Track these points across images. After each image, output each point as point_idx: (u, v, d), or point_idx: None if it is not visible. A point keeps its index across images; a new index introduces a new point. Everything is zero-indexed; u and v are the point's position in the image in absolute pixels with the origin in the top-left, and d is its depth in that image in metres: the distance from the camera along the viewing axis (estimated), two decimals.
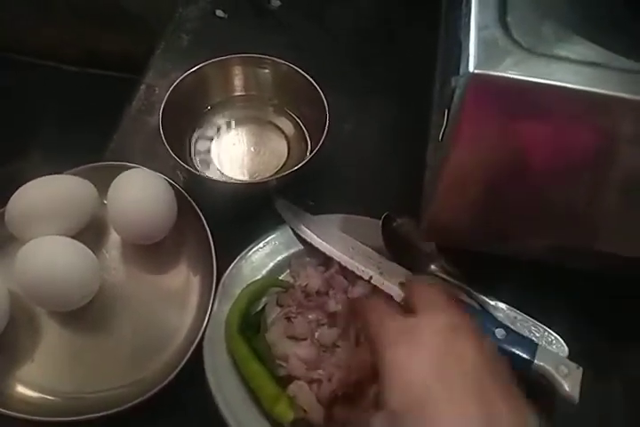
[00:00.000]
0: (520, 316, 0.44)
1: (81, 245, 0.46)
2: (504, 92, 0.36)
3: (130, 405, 0.41)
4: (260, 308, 0.46)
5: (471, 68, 0.35)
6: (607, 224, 0.43)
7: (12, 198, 0.47)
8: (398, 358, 0.31)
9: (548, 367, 0.40)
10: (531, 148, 0.38)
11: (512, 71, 0.35)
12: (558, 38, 0.38)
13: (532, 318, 0.45)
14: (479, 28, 0.37)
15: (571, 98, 0.36)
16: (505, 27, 0.38)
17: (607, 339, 0.47)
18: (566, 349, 0.43)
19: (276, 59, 0.55)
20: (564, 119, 0.37)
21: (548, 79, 0.35)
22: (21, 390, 0.44)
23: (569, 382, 0.39)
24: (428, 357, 0.30)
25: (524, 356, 0.41)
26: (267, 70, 0.56)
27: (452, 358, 0.30)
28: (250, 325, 0.45)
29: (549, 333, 0.44)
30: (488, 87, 0.36)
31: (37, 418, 0.41)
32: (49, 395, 0.44)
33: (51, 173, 0.50)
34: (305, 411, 0.40)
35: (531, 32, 0.38)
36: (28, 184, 0.48)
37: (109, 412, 0.41)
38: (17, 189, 0.48)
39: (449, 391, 0.29)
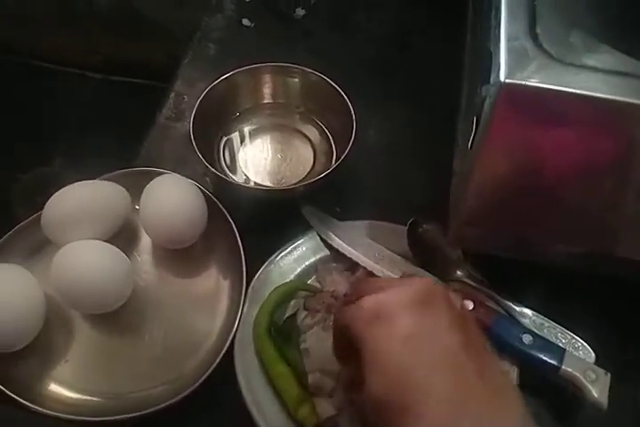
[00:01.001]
0: (547, 322, 0.45)
1: (115, 250, 0.47)
2: (534, 100, 0.37)
3: (163, 405, 0.42)
4: (288, 314, 0.47)
5: (502, 78, 0.36)
6: (633, 230, 0.43)
7: (47, 203, 0.48)
8: (374, 340, 0.30)
9: (576, 373, 0.40)
10: (559, 155, 0.39)
11: (542, 80, 0.36)
12: (586, 48, 0.38)
13: (559, 324, 0.45)
14: (509, 39, 0.38)
15: (599, 107, 0.36)
16: (534, 37, 0.38)
17: (634, 344, 0.47)
18: (593, 355, 0.43)
19: (304, 68, 0.56)
20: (593, 127, 0.37)
21: (576, 88, 0.36)
22: (56, 389, 0.45)
23: (597, 387, 0.40)
24: (400, 335, 0.30)
25: (552, 362, 0.41)
26: (295, 79, 0.57)
27: (425, 332, 0.30)
28: (280, 331, 0.45)
29: (576, 339, 0.44)
30: (518, 96, 0.37)
31: (72, 417, 0.42)
32: (83, 395, 0.45)
33: (81, 179, 0.51)
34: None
35: (559, 42, 0.38)
36: (63, 189, 0.49)
37: (143, 412, 0.42)
38: (45, 193, 0.49)
39: (426, 369, 0.29)
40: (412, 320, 0.30)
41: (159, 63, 1.04)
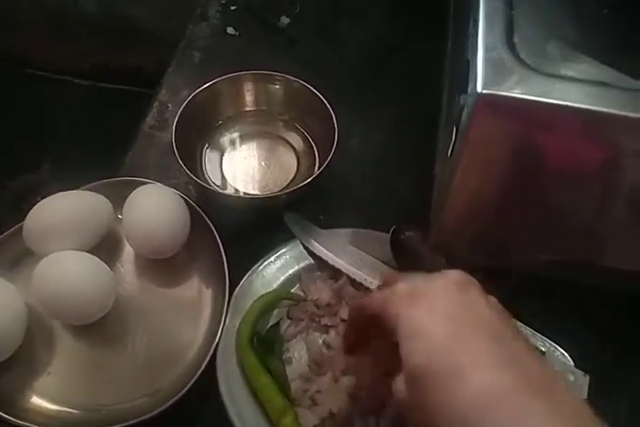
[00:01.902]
0: (526, 330, 0.45)
1: (97, 260, 0.47)
2: (511, 110, 0.37)
3: (146, 417, 0.41)
4: (272, 323, 0.47)
5: (479, 88, 0.36)
6: (614, 239, 0.44)
7: (29, 214, 0.48)
8: (413, 321, 0.30)
9: None
10: (538, 164, 0.39)
11: (519, 91, 0.36)
12: (564, 58, 0.39)
13: (539, 333, 0.45)
14: (486, 49, 0.38)
15: (577, 117, 0.36)
16: (512, 47, 0.39)
17: (613, 355, 0.47)
18: (572, 362, 0.43)
19: (287, 75, 0.56)
20: (570, 137, 0.38)
21: (554, 98, 0.36)
22: (38, 402, 0.45)
23: (575, 389, 0.40)
24: (441, 314, 0.29)
25: None
26: (278, 86, 0.57)
27: (465, 313, 0.30)
28: (263, 341, 0.45)
29: (555, 348, 0.44)
30: (495, 106, 0.37)
31: None
32: (65, 407, 0.44)
33: (65, 188, 0.51)
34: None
35: (537, 52, 0.39)
36: (45, 200, 0.49)
37: (124, 424, 0.41)
38: (30, 201, 0.49)
39: (469, 348, 0.28)
40: (451, 300, 0.30)
41: (147, 71, 1.04)
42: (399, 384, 0.30)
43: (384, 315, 0.31)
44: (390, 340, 0.31)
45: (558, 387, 0.27)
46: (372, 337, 0.36)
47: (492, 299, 0.32)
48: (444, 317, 0.29)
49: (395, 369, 0.30)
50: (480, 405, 0.26)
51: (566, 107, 0.36)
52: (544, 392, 0.27)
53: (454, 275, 0.32)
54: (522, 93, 0.36)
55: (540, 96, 0.36)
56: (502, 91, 0.36)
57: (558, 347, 0.45)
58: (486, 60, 0.38)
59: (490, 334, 0.29)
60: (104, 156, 0.61)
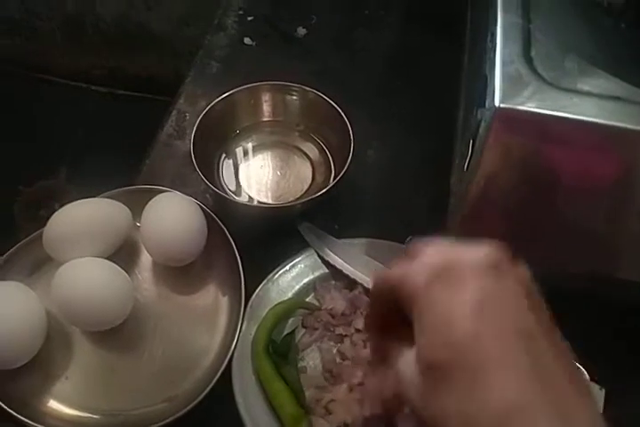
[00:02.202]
0: None
1: (116, 267, 0.47)
2: (528, 124, 0.37)
3: (162, 422, 0.42)
4: (287, 331, 0.47)
5: (497, 103, 0.37)
6: (627, 251, 0.44)
7: (49, 221, 0.49)
8: (436, 301, 0.26)
9: None
10: (553, 177, 0.39)
11: (536, 105, 0.37)
12: (581, 72, 0.39)
13: None
14: (504, 63, 0.39)
15: (594, 131, 0.37)
16: (529, 61, 0.39)
17: (623, 367, 0.47)
18: (588, 377, 0.43)
19: (303, 86, 0.57)
20: (587, 151, 0.38)
21: (571, 113, 0.36)
22: (55, 406, 0.45)
23: None
24: (469, 299, 0.26)
25: None
26: (294, 97, 0.58)
27: (497, 300, 0.26)
28: (278, 349, 0.46)
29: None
30: (513, 120, 0.37)
31: None
32: (82, 412, 0.45)
33: (82, 195, 0.51)
34: None
35: (554, 66, 0.39)
36: (65, 207, 0.50)
37: None
38: (49, 206, 0.50)
39: (500, 340, 0.25)
40: (482, 285, 0.26)
41: (163, 78, 1.06)
42: (408, 370, 0.27)
43: (405, 289, 0.28)
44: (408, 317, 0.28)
45: (578, 404, 0.25)
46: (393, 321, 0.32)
47: (525, 274, 0.29)
48: (471, 306, 0.26)
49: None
50: (495, 418, 0.24)
51: (583, 121, 0.36)
52: (564, 411, 0.25)
53: (490, 251, 0.28)
54: (539, 108, 0.36)
55: (556, 111, 0.36)
56: (519, 105, 0.37)
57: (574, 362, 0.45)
58: (504, 75, 0.38)
59: (518, 333, 0.26)
60: (120, 162, 0.62)
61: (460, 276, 0.27)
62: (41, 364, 0.46)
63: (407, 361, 0.27)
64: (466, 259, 0.27)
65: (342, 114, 0.54)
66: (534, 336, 0.26)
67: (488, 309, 0.26)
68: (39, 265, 0.51)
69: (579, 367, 0.43)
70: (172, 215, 0.49)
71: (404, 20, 0.73)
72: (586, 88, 0.38)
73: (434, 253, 0.28)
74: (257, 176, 0.57)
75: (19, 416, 0.43)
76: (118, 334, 0.48)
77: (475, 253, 0.28)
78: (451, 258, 0.27)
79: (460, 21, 0.62)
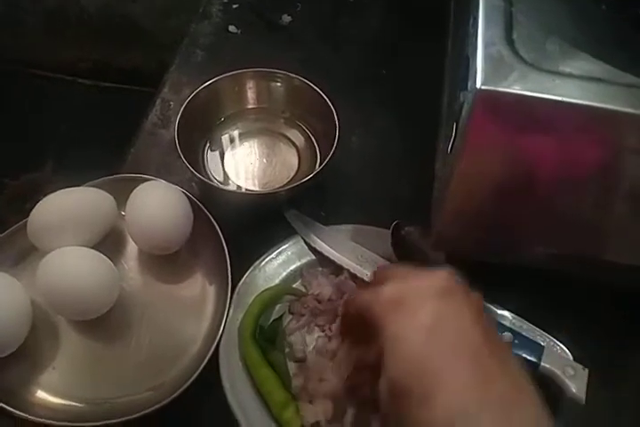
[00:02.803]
0: (525, 324, 0.45)
1: (100, 256, 0.47)
2: (510, 106, 0.37)
3: (149, 410, 0.42)
4: (274, 318, 0.47)
5: (478, 84, 0.37)
6: (613, 233, 0.44)
7: (33, 210, 0.49)
8: (394, 327, 0.30)
9: (555, 369, 0.41)
10: (537, 160, 0.39)
11: (518, 87, 0.36)
12: (563, 54, 0.39)
13: (538, 327, 0.46)
14: (486, 45, 0.39)
15: (575, 112, 0.37)
16: (511, 44, 0.39)
17: (611, 348, 0.48)
18: (571, 357, 0.44)
19: (288, 73, 0.56)
20: (569, 133, 0.38)
21: (552, 94, 0.36)
22: (43, 395, 0.45)
23: (575, 383, 0.40)
24: (422, 324, 0.30)
25: (531, 359, 0.42)
26: (279, 84, 0.57)
27: (447, 323, 0.30)
28: (265, 335, 0.46)
29: (554, 342, 0.45)
30: (495, 102, 0.37)
31: (58, 423, 0.43)
32: (69, 401, 0.45)
33: (68, 185, 0.51)
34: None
35: (536, 49, 0.39)
36: (49, 196, 0.49)
37: (128, 417, 0.42)
38: (34, 199, 0.49)
39: (448, 360, 0.29)
40: (434, 310, 0.30)
41: (148, 70, 1.05)
42: (381, 387, 0.30)
43: (368, 316, 0.32)
44: (375, 337, 0.31)
45: (517, 400, 0.28)
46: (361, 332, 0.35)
47: (476, 299, 0.32)
48: (424, 329, 0.30)
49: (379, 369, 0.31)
50: (444, 422, 0.27)
51: (565, 103, 0.36)
52: (500, 410, 0.27)
53: (441, 278, 0.32)
54: (520, 89, 0.36)
55: (538, 92, 0.36)
56: (501, 87, 0.37)
57: (557, 341, 0.45)
58: (485, 57, 0.38)
59: (466, 351, 0.29)
60: (106, 153, 0.61)
61: (412, 303, 0.31)
62: (27, 354, 0.46)
63: (380, 382, 0.31)
64: (421, 287, 0.31)
65: (327, 100, 0.54)
66: (479, 349, 0.29)
67: (438, 331, 0.30)
68: (24, 255, 0.50)
69: (563, 349, 0.44)
70: (157, 203, 0.49)
71: (389, 7, 0.72)
72: (568, 70, 0.38)
73: (391, 283, 0.32)
74: (243, 164, 0.57)
75: (5, 406, 0.43)
76: (105, 323, 0.48)
77: (426, 281, 0.32)
78: (404, 288, 0.32)
79: (443, 8, 0.62)
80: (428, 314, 0.30)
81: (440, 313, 0.30)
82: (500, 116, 0.38)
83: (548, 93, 0.36)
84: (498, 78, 0.37)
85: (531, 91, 0.36)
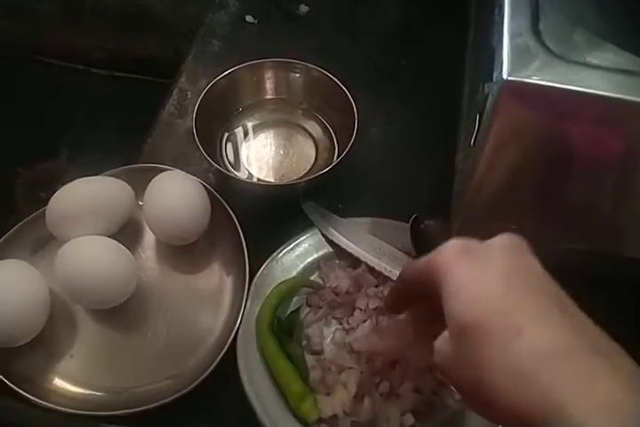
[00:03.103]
0: None
1: (119, 245, 0.47)
2: (536, 98, 0.37)
3: (165, 400, 0.42)
4: (291, 310, 0.47)
5: (505, 75, 0.36)
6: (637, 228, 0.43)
7: (52, 199, 0.49)
8: (464, 275, 0.28)
9: None
10: (562, 152, 0.39)
11: (544, 78, 0.36)
12: (590, 46, 0.38)
13: None
14: (512, 36, 0.38)
15: (603, 104, 0.36)
16: (537, 34, 0.38)
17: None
18: None
19: (307, 63, 0.56)
20: (597, 125, 0.37)
21: (579, 86, 0.36)
22: (60, 384, 0.45)
23: None
24: (496, 271, 0.28)
25: None
26: (297, 75, 0.57)
27: (522, 272, 0.28)
28: (282, 327, 0.46)
29: None
30: (521, 93, 0.37)
31: (76, 411, 0.43)
32: (87, 389, 0.45)
33: (84, 175, 0.51)
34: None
35: (562, 39, 0.38)
36: (67, 185, 0.49)
37: (145, 407, 0.42)
38: (49, 188, 0.49)
39: (526, 304, 0.27)
40: (507, 260, 0.29)
41: (164, 59, 1.04)
42: (442, 343, 0.28)
43: (433, 270, 0.30)
44: (433, 302, 0.29)
45: (615, 349, 0.26)
46: (415, 301, 0.35)
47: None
48: (499, 274, 0.28)
49: (433, 332, 0.29)
50: (540, 362, 0.25)
51: (591, 94, 0.36)
52: (604, 354, 0.26)
53: (511, 237, 0.30)
54: (547, 81, 0.36)
55: (565, 84, 0.36)
56: (527, 78, 0.36)
57: None
58: (512, 47, 0.37)
59: (547, 293, 0.28)
60: (122, 143, 0.61)
61: (489, 254, 0.29)
62: (45, 342, 0.46)
63: (439, 340, 0.29)
64: (493, 243, 0.30)
65: (346, 91, 0.54)
66: (561, 297, 0.28)
67: (515, 276, 0.28)
68: (42, 244, 0.50)
69: None
70: (175, 194, 0.49)
71: None
72: (594, 61, 0.37)
73: (458, 241, 0.31)
74: (260, 155, 0.57)
75: (23, 393, 0.43)
76: (122, 312, 0.48)
77: (501, 239, 0.30)
78: (471, 242, 0.30)
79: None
80: (502, 263, 0.28)
81: (515, 262, 0.29)
82: (526, 106, 0.37)
83: (574, 85, 0.36)
84: (524, 69, 0.36)
85: (557, 82, 0.36)
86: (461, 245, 0.30)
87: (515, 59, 0.37)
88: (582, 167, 0.39)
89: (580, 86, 0.36)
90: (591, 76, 0.36)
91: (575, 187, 0.41)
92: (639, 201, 0.41)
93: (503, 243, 0.30)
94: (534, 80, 0.36)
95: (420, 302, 0.35)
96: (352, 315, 0.46)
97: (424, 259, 0.32)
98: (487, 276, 0.28)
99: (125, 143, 0.60)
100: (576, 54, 0.37)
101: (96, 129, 1.00)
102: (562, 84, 0.36)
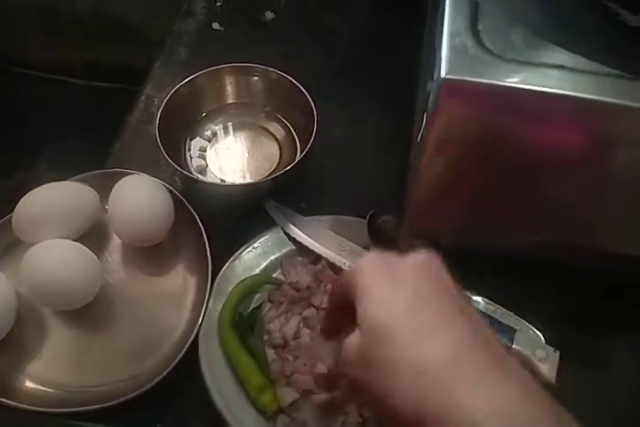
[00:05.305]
0: (499, 309, 0.46)
1: (83, 248, 0.48)
2: (475, 95, 0.38)
3: (131, 395, 0.43)
4: (253, 306, 0.49)
5: (443, 74, 0.38)
6: (590, 218, 0.45)
7: (18, 204, 0.50)
8: (379, 286, 0.31)
9: (526, 352, 0.42)
10: (502, 146, 0.40)
11: (482, 76, 0.37)
12: (528, 44, 0.40)
13: (513, 313, 0.46)
14: (451, 36, 0.40)
15: (539, 100, 0.38)
16: (476, 34, 0.40)
17: (583, 334, 0.48)
18: (543, 339, 0.45)
19: (266, 67, 0.57)
20: (533, 120, 0.39)
21: (516, 83, 0.37)
22: (29, 384, 0.46)
23: (546, 365, 0.41)
24: (408, 282, 0.30)
25: (503, 341, 0.43)
26: (257, 78, 0.58)
27: (434, 285, 0.31)
28: (244, 322, 0.47)
29: (528, 326, 0.46)
30: (459, 91, 0.38)
31: (44, 409, 0.44)
32: (54, 388, 0.46)
33: (55, 181, 0.52)
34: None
35: (501, 39, 0.40)
36: (34, 190, 0.51)
37: (111, 403, 0.43)
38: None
39: (432, 304, 0.29)
40: (418, 274, 0.31)
41: (137, 68, 1.05)
42: (351, 340, 0.30)
43: (352, 284, 0.32)
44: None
45: (508, 358, 0.28)
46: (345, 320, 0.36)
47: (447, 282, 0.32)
48: (410, 284, 0.30)
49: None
50: (443, 365, 0.27)
51: (529, 91, 0.37)
52: (496, 362, 0.28)
53: (423, 255, 0.33)
54: (484, 78, 0.37)
55: (502, 81, 0.37)
56: (465, 76, 0.37)
57: (531, 326, 0.46)
58: (451, 47, 0.39)
59: (453, 303, 0.30)
60: (95, 150, 0.62)
61: (401, 268, 0.32)
62: (13, 344, 0.48)
63: (349, 338, 0.31)
64: (406, 259, 0.32)
65: (305, 92, 0.55)
66: (467, 310, 0.30)
67: (424, 286, 0.31)
68: (9, 248, 0.52)
69: (536, 332, 0.45)
70: (138, 196, 0.50)
71: (372, 3, 0.73)
72: (532, 59, 0.39)
73: (375, 256, 0.33)
74: (225, 157, 0.58)
75: None
76: (88, 313, 0.49)
77: (414, 257, 0.33)
78: (394, 257, 0.33)
79: (424, 3, 0.62)
80: (412, 275, 0.31)
81: (425, 275, 0.31)
82: (465, 104, 0.39)
83: (512, 82, 0.37)
84: (462, 68, 0.38)
85: (494, 79, 0.37)
86: (376, 258, 0.33)
87: (453, 58, 0.38)
88: (524, 160, 0.41)
89: (518, 83, 0.37)
90: (529, 74, 0.38)
91: (519, 181, 0.42)
92: (580, 193, 0.42)
93: (415, 260, 0.32)
94: (472, 78, 0.37)
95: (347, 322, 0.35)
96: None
97: (345, 274, 0.34)
98: (399, 285, 0.30)
99: (99, 150, 0.61)
100: (514, 53, 0.39)
101: (71, 138, 1.01)
102: (499, 81, 0.37)
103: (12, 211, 0.51)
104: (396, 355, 0.28)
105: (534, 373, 0.42)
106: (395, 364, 0.28)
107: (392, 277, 0.31)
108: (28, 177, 0.98)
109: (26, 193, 0.51)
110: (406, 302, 0.30)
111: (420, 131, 0.43)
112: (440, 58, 0.39)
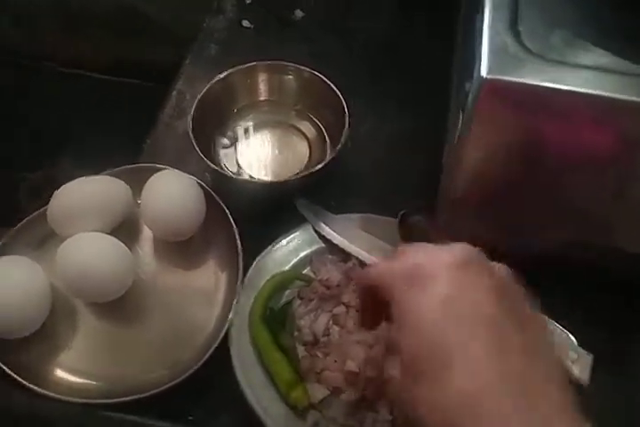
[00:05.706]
0: None
1: (117, 241, 0.49)
2: (514, 95, 0.38)
3: (163, 388, 0.44)
4: (283, 301, 0.49)
5: (483, 74, 0.38)
6: (620, 221, 0.45)
7: (53, 197, 0.50)
8: (406, 302, 0.29)
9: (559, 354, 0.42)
10: (541, 148, 0.40)
11: (522, 76, 0.37)
12: (567, 45, 0.40)
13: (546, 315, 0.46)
14: (491, 36, 0.40)
15: (579, 101, 0.38)
16: (516, 34, 0.40)
17: (620, 338, 0.48)
18: (575, 342, 0.45)
19: (298, 66, 0.58)
20: (573, 121, 0.39)
21: (556, 84, 0.37)
22: (61, 374, 0.47)
23: (578, 366, 0.41)
24: (438, 293, 0.28)
25: None
26: (290, 76, 0.59)
27: (464, 295, 0.29)
28: (275, 317, 0.47)
29: (560, 329, 0.45)
30: (499, 91, 0.38)
31: (75, 400, 0.44)
32: (85, 379, 0.47)
33: (89, 175, 0.53)
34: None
35: (541, 39, 0.40)
36: (69, 184, 0.51)
37: (142, 395, 0.44)
38: (53, 191, 0.51)
39: (464, 334, 0.27)
40: (450, 280, 0.29)
41: (164, 64, 1.06)
42: (393, 363, 0.29)
43: (381, 288, 0.31)
44: (389, 312, 0.30)
45: (543, 390, 0.27)
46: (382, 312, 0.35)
47: (499, 271, 0.31)
48: (438, 300, 0.28)
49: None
50: (464, 405, 0.26)
51: (569, 92, 0.37)
52: (523, 396, 0.26)
53: (458, 250, 0.31)
54: (524, 78, 0.37)
55: (542, 81, 0.37)
56: (505, 76, 0.38)
57: (563, 329, 0.46)
58: (491, 47, 0.39)
59: (482, 323, 0.28)
60: (122, 146, 0.62)
61: (429, 275, 0.29)
62: (46, 334, 0.48)
63: (391, 360, 0.30)
64: (437, 259, 0.30)
65: (337, 91, 0.55)
66: (500, 325, 0.28)
67: (455, 301, 0.28)
68: (44, 240, 0.52)
69: (568, 335, 0.45)
70: (170, 191, 0.50)
71: (402, 2, 0.73)
72: (572, 60, 0.39)
73: (407, 256, 0.31)
74: (255, 155, 0.58)
75: (26, 383, 0.45)
76: (121, 306, 0.50)
77: (446, 253, 0.31)
78: (422, 261, 0.30)
79: (455, 3, 0.62)
80: (441, 286, 0.29)
81: (454, 285, 0.29)
82: (504, 104, 0.39)
83: (552, 82, 0.37)
84: (502, 68, 0.38)
85: (534, 80, 0.37)
86: (406, 268, 0.30)
87: (493, 58, 0.38)
88: (562, 162, 0.41)
89: (557, 84, 0.37)
90: (567, 74, 0.38)
91: (557, 182, 0.42)
92: (621, 194, 0.42)
93: (448, 259, 0.30)
94: (512, 78, 0.37)
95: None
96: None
97: (373, 275, 0.33)
98: (427, 304, 0.28)
99: (126, 145, 0.62)
100: (554, 53, 0.39)
101: (99, 133, 1.02)
102: (539, 81, 0.37)
103: (40, 204, 0.52)
104: (421, 394, 0.27)
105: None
106: (422, 404, 0.27)
107: (422, 290, 0.29)
108: (58, 169, 0.99)
109: (52, 187, 0.51)
110: (432, 328, 0.28)
111: (456, 131, 0.43)
112: (480, 58, 0.39)
